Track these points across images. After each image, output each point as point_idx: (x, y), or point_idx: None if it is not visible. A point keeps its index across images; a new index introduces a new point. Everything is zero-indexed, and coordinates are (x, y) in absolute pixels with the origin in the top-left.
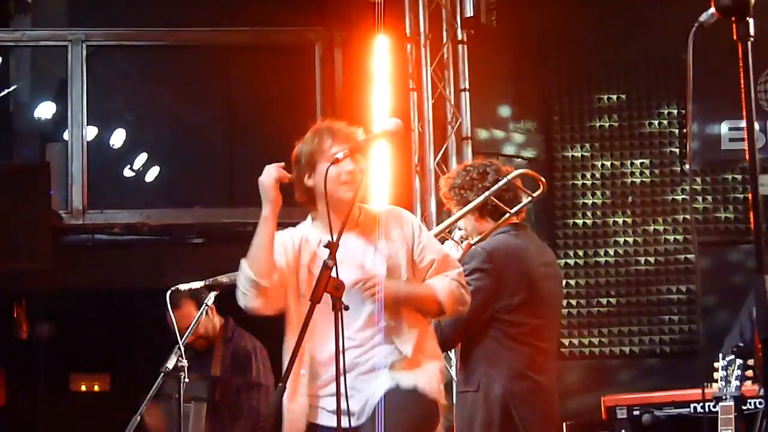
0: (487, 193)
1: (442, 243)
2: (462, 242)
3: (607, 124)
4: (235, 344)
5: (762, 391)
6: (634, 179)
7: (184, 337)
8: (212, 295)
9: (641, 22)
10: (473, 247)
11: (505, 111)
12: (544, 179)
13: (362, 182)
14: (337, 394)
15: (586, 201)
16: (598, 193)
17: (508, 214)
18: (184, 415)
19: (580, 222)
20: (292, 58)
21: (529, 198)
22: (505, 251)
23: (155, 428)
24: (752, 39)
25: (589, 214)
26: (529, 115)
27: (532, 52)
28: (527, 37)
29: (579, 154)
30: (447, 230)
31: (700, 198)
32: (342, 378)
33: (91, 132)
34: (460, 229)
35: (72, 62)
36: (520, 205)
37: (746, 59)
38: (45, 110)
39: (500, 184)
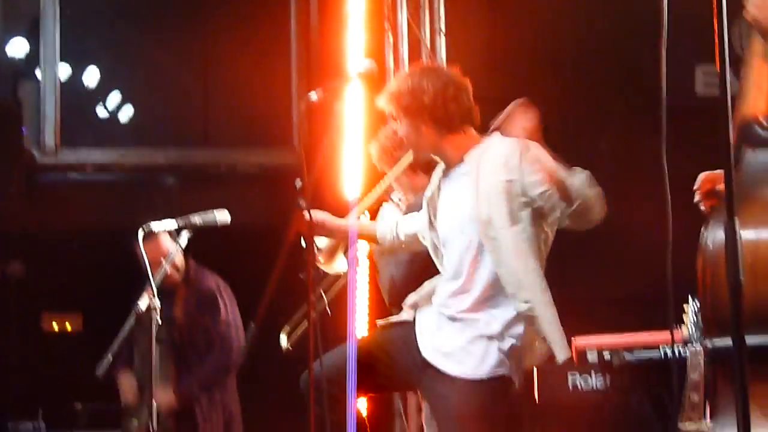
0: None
1: (380, 206)
2: (400, 202)
3: (582, 76)
4: (199, 284)
5: (721, 340)
6: (608, 125)
7: (159, 273)
8: (185, 234)
9: None
10: (407, 199)
11: (480, 55)
12: None
13: (420, 144)
14: None
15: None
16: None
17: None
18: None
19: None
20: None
21: None
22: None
23: (128, 395)
24: None
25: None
26: (507, 62)
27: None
28: None
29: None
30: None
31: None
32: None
33: (64, 70)
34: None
35: None
36: None
37: (720, 3)
38: (17, 48)
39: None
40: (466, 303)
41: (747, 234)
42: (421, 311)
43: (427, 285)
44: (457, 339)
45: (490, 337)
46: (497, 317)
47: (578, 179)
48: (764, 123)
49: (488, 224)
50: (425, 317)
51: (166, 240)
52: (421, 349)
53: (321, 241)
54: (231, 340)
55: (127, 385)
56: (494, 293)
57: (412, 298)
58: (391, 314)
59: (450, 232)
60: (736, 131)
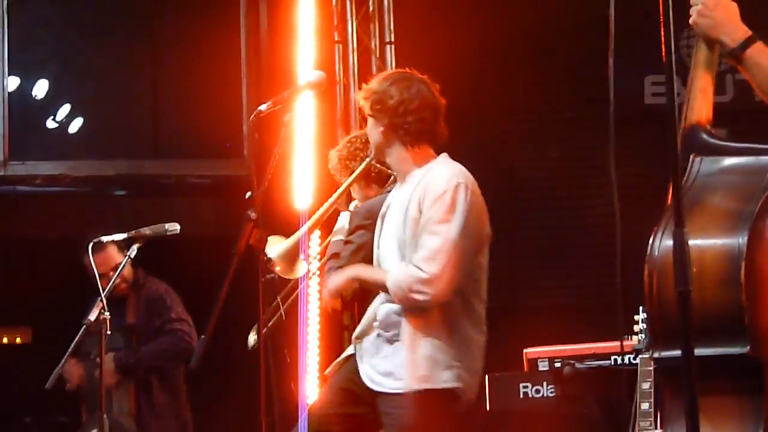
0: (365, 162)
1: (337, 216)
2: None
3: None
4: (147, 290)
5: (668, 351)
6: (559, 133)
7: (108, 286)
8: (135, 246)
9: None
10: (356, 207)
11: (429, 65)
12: None
13: (376, 143)
14: None
15: (505, 161)
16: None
17: (392, 177)
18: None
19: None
20: (216, 9)
21: None
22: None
23: (75, 384)
24: None
25: (510, 167)
26: (457, 72)
27: (462, 8)
28: None
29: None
30: (337, 202)
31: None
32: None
33: (12, 82)
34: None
35: None
36: None
37: (666, 13)
38: None
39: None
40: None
41: (693, 242)
42: (364, 339)
43: (368, 311)
44: (396, 357)
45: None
46: None
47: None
48: (709, 129)
49: (411, 248)
50: (365, 344)
51: (115, 252)
52: (362, 377)
53: (272, 251)
54: (181, 331)
55: (74, 371)
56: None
57: (357, 330)
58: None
59: (384, 252)
60: (681, 138)
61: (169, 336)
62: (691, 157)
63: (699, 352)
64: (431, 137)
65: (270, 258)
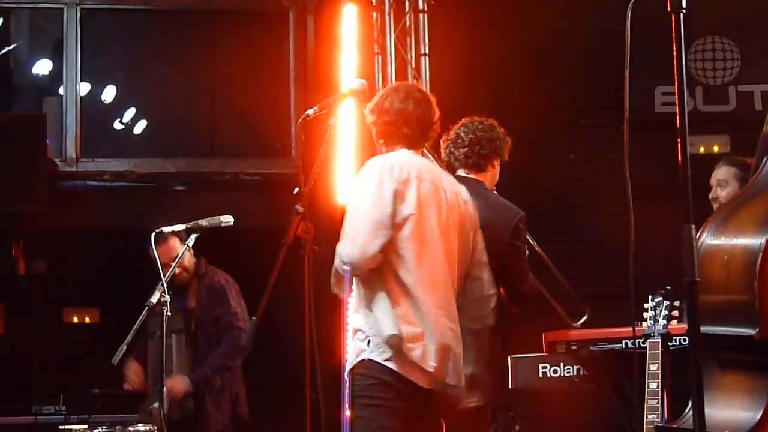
0: None
1: None
2: None
3: (552, 93)
4: (209, 279)
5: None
6: (576, 138)
7: (168, 273)
8: (193, 236)
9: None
10: None
11: (461, 76)
12: None
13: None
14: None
15: (528, 158)
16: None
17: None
18: (167, 347)
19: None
20: (268, 23)
21: None
22: None
23: (136, 385)
24: (684, 11)
25: (531, 168)
26: (484, 81)
27: (489, 23)
28: (486, 7)
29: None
30: None
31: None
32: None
33: (84, 87)
34: None
35: (67, 23)
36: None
37: (678, 29)
38: (42, 67)
39: None
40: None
41: (730, 236)
42: None
43: None
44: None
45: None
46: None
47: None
48: None
49: None
50: None
51: (176, 243)
52: None
53: None
54: (239, 329)
55: (132, 372)
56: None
57: None
58: None
59: None
60: (760, 141)
61: (228, 336)
62: (765, 158)
63: (719, 330)
64: (401, 139)
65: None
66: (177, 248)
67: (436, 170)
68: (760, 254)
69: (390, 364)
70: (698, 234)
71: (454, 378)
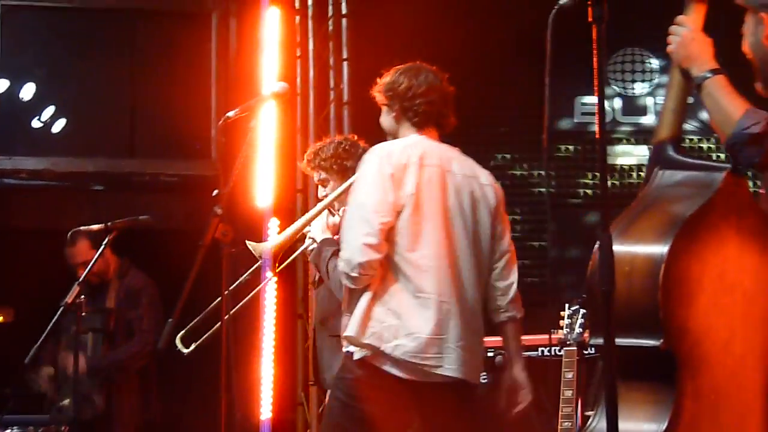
0: None
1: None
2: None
3: (476, 98)
4: (129, 280)
5: (599, 339)
6: (497, 147)
7: (83, 274)
8: (109, 237)
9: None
10: None
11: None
12: None
13: (389, 129)
14: None
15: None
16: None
17: None
18: (81, 345)
19: None
20: (191, 24)
21: None
22: None
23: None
24: (605, 22)
25: None
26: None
27: (410, 30)
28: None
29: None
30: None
31: (554, 164)
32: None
33: (2, 84)
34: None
35: None
36: None
37: (600, 40)
38: None
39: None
40: None
41: (630, 246)
42: None
43: None
44: None
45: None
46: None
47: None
48: (675, 145)
49: None
50: None
51: (86, 244)
52: None
53: (257, 248)
54: (146, 332)
55: (41, 379)
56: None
57: None
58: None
59: None
60: (652, 152)
61: (137, 339)
62: (656, 169)
63: (622, 342)
64: (438, 120)
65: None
66: (87, 250)
67: (446, 154)
68: (663, 265)
69: (360, 357)
70: (595, 246)
71: (457, 369)
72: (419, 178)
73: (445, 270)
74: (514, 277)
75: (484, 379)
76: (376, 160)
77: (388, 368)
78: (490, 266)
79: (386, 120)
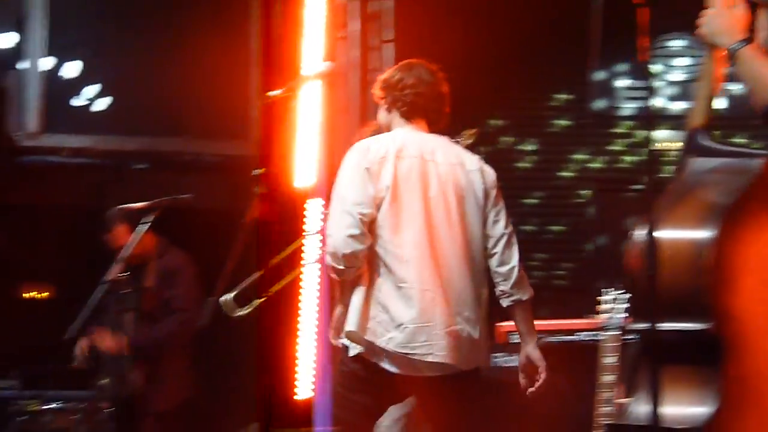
0: None
1: None
2: None
3: (519, 81)
4: (166, 260)
5: (641, 323)
6: (543, 128)
7: (126, 252)
8: (151, 216)
9: None
10: None
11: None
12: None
13: (382, 122)
14: None
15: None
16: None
17: None
18: (121, 324)
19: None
20: (233, 3)
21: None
22: None
23: (80, 363)
24: (651, 5)
25: (495, 156)
26: (449, 69)
27: (455, 11)
28: None
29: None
30: None
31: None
32: None
33: (47, 62)
34: None
35: None
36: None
37: (644, 25)
38: (4, 40)
39: None
40: None
41: (670, 231)
42: None
43: None
44: None
45: None
46: None
47: None
48: (706, 133)
49: None
50: None
51: (128, 225)
52: None
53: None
54: (185, 311)
55: (79, 350)
56: None
57: None
58: None
59: None
60: (685, 139)
61: (175, 318)
62: (688, 156)
63: (668, 326)
64: (427, 113)
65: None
66: (125, 233)
67: (430, 144)
68: (709, 249)
69: (355, 353)
70: (634, 231)
71: (446, 355)
72: (396, 170)
73: (426, 259)
74: (514, 260)
75: None
76: (355, 154)
77: (383, 364)
78: (487, 252)
79: (381, 114)
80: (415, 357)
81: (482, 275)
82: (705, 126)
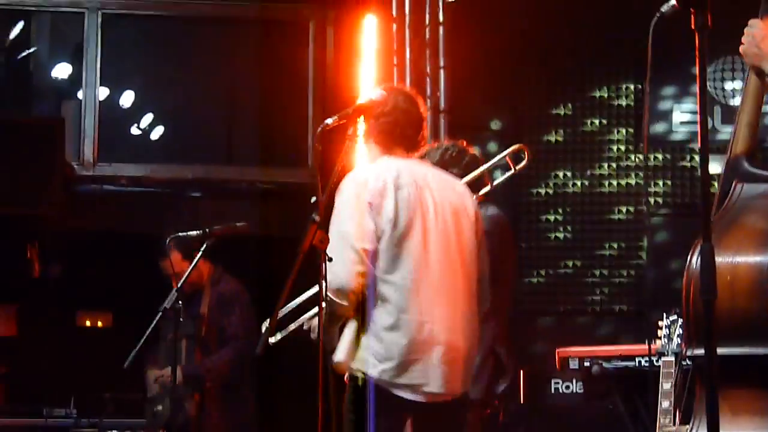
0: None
1: None
2: None
3: (567, 112)
4: (221, 287)
5: (699, 349)
6: (592, 154)
7: (182, 280)
8: (206, 243)
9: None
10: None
11: (478, 89)
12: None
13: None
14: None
15: (548, 172)
16: (560, 164)
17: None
18: (178, 351)
19: (542, 191)
20: (288, 32)
21: (512, 171)
22: None
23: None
24: (709, 29)
25: (551, 184)
26: (502, 94)
27: (506, 36)
28: (503, 19)
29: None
30: None
31: (651, 173)
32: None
33: (103, 92)
34: None
35: (88, 28)
36: (501, 179)
37: (702, 48)
38: (62, 71)
39: (487, 165)
40: None
41: (728, 256)
42: None
43: None
44: None
45: None
46: None
47: None
48: (751, 159)
49: None
50: None
51: (183, 253)
52: None
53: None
54: (240, 339)
55: (153, 379)
56: None
57: None
58: None
59: None
60: (728, 166)
61: (230, 346)
62: (734, 182)
63: (728, 351)
64: (402, 140)
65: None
66: (180, 261)
67: (421, 171)
68: None
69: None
70: (690, 257)
71: (442, 386)
72: (396, 199)
73: (425, 288)
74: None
75: (580, 389)
76: (353, 187)
77: (386, 388)
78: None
79: (364, 143)
80: (412, 387)
81: (476, 294)
82: (748, 152)
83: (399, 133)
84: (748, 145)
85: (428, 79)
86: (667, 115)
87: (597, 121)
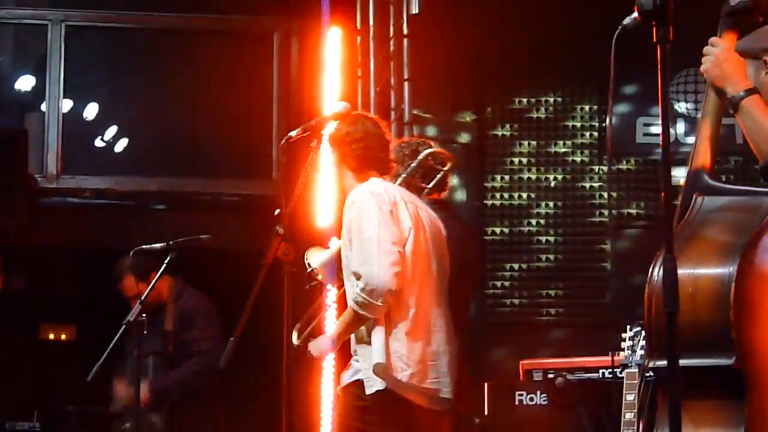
0: (405, 173)
1: None
2: None
3: (534, 116)
4: (184, 302)
5: (661, 361)
6: (556, 166)
7: (145, 294)
8: (168, 257)
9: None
10: None
11: (443, 100)
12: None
13: (335, 176)
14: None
15: (513, 180)
16: (524, 174)
17: (426, 190)
18: (144, 368)
19: (506, 203)
20: (252, 44)
21: (441, 172)
22: None
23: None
24: (670, 42)
25: (515, 195)
26: (465, 105)
27: (469, 48)
28: (466, 31)
29: (508, 133)
30: None
31: (615, 184)
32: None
33: (66, 104)
34: None
35: (51, 40)
36: (434, 180)
37: (664, 61)
38: (25, 83)
39: (413, 165)
40: None
41: (690, 268)
42: None
43: None
44: None
45: None
46: None
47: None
48: (711, 173)
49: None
50: None
51: (135, 276)
52: None
53: (315, 260)
54: (204, 354)
55: (120, 391)
56: None
57: None
58: None
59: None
60: (688, 179)
61: (195, 360)
62: (695, 196)
63: (690, 362)
64: (377, 164)
65: (313, 267)
66: (133, 284)
67: (404, 191)
68: (733, 284)
69: (374, 387)
70: (651, 269)
71: (450, 391)
72: (408, 213)
73: (430, 297)
74: None
75: (544, 400)
76: (371, 198)
77: (404, 395)
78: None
79: (334, 168)
80: (429, 392)
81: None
82: (708, 166)
83: (373, 157)
84: (708, 159)
85: (392, 92)
86: (630, 126)
87: (561, 132)
